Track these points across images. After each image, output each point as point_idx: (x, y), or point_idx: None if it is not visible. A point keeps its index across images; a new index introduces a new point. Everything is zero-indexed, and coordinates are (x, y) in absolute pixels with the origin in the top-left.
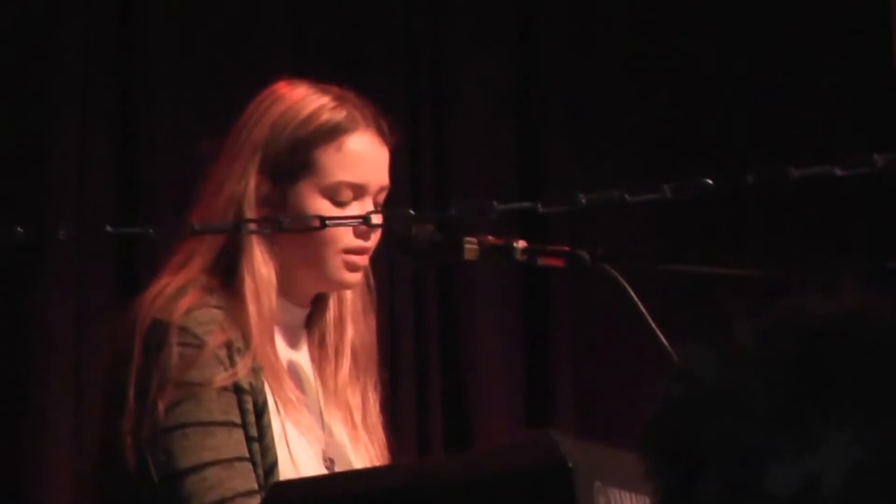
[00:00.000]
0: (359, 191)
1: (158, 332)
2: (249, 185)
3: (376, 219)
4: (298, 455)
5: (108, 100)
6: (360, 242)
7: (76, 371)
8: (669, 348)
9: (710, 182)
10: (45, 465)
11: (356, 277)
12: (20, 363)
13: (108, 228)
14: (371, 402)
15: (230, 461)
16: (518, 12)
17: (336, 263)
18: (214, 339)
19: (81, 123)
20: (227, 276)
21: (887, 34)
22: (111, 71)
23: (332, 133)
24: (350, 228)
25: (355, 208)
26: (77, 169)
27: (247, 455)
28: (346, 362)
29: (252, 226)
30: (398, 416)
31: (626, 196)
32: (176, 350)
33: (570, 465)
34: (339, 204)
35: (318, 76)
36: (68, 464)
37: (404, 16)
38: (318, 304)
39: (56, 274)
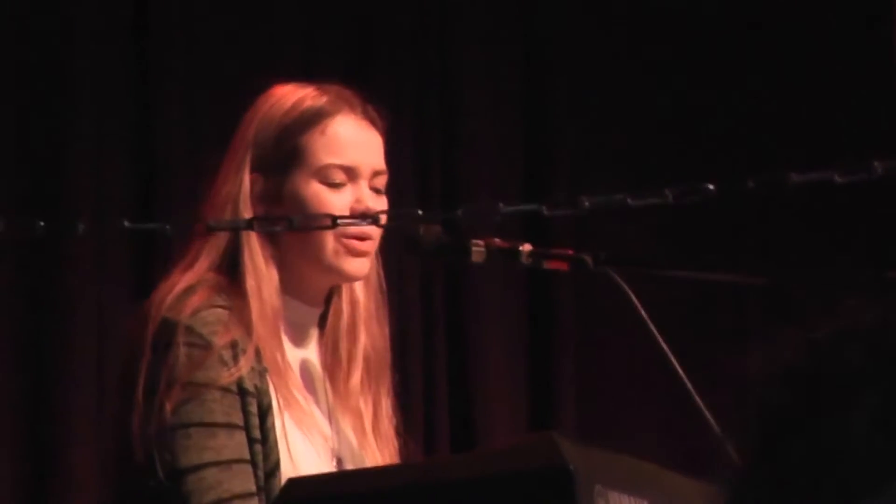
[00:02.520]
0: (350, 173)
1: (166, 331)
2: (243, 184)
3: (384, 218)
4: (300, 457)
5: (124, 96)
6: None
7: (98, 364)
8: (670, 353)
9: (712, 187)
10: (69, 459)
11: (359, 266)
12: (42, 356)
13: (126, 224)
14: (383, 408)
15: (229, 463)
16: (525, 14)
17: (335, 248)
18: (220, 340)
19: (98, 121)
20: (233, 274)
21: (888, 38)
22: (127, 67)
23: (315, 118)
24: (345, 210)
25: (350, 192)
26: (94, 166)
27: (247, 457)
28: (358, 369)
29: (262, 223)
30: (405, 418)
31: (629, 200)
32: (183, 350)
33: (572, 467)
34: (333, 186)
35: (327, 76)
36: (92, 457)
37: (412, 18)
38: (330, 308)
39: (76, 270)
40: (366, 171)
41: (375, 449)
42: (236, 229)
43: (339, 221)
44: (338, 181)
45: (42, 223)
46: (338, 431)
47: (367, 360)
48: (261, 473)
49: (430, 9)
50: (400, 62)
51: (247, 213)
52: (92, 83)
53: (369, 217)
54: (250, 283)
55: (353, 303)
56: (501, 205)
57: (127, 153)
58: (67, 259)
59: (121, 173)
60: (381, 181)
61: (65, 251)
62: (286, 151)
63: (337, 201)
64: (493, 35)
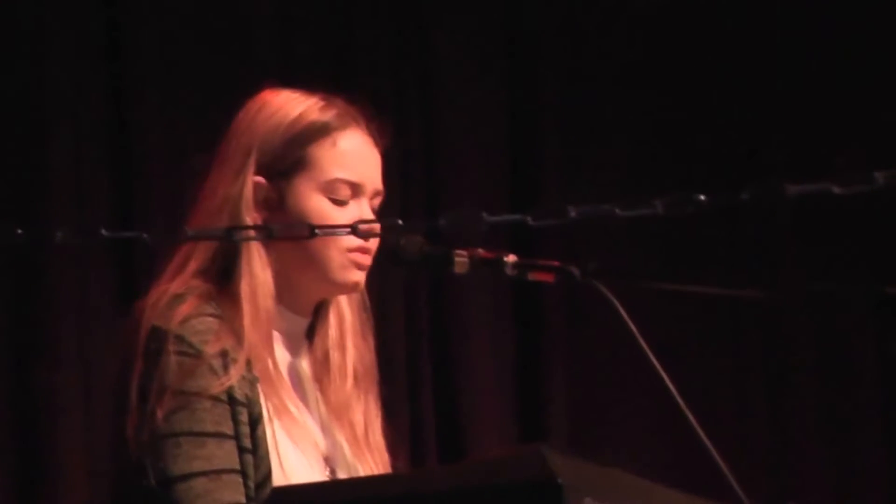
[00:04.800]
0: (356, 190)
1: (157, 339)
2: (246, 187)
3: (364, 227)
4: (291, 467)
5: (102, 104)
6: (362, 241)
7: (82, 372)
8: (658, 365)
9: (704, 198)
10: (55, 468)
11: (360, 277)
12: (25, 366)
13: (104, 232)
14: (374, 420)
15: (219, 472)
16: (508, 20)
17: (341, 262)
18: (210, 349)
19: (76, 128)
20: (223, 280)
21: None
22: (104, 75)
23: (326, 129)
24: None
25: (353, 208)
26: (73, 174)
27: (237, 467)
28: (349, 380)
29: (244, 233)
30: (391, 432)
31: (617, 210)
32: (174, 358)
33: (560, 481)
34: (338, 202)
35: (307, 84)
36: (79, 466)
37: (393, 26)
38: (318, 319)
39: (58, 280)
40: (368, 189)
41: (371, 459)
42: (216, 239)
43: (316, 231)
44: (343, 197)
45: (19, 231)
46: (332, 441)
47: (356, 373)
48: (252, 484)
49: (411, 14)
50: (381, 69)
51: (247, 218)
52: (69, 91)
53: (348, 227)
54: (245, 287)
55: (340, 318)
56: (485, 214)
57: (105, 162)
58: (48, 268)
59: (100, 182)
60: (378, 202)
61: (46, 260)
62: (293, 159)
63: (340, 218)
64: (476, 41)
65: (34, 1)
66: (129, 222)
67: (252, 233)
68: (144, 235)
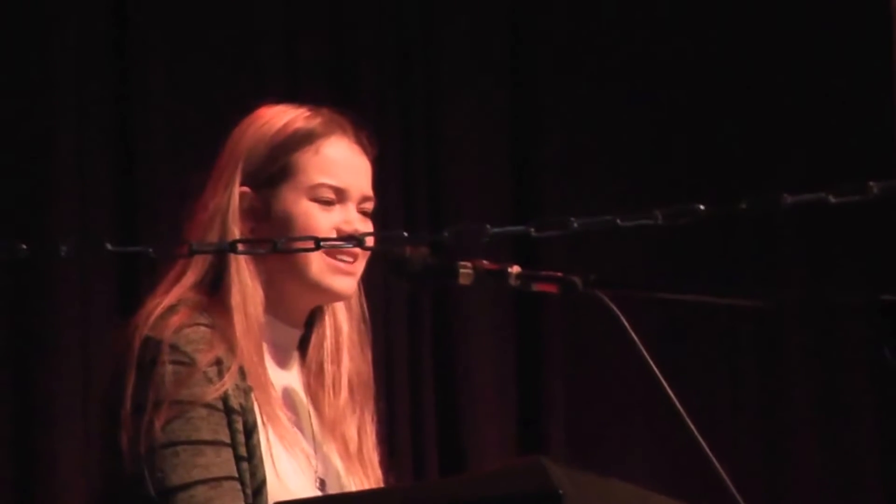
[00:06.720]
0: (340, 195)
1: (150, 349)
2: (233, 197)
3: (370, 240)
4: (286, 474)
5: (106, 115)
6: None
7: (84, 384)
8: (659, 375)
9: (702, 208)
10: (56, 479)
11: (345, 285)
12: (27, 377)
13: (109, 246)
14: (367, 434)
15: (218, 480)
16: (511, 34)
17: (320, 266)
18: (204, 358)
19: (80, 141)
20: (215, 290)
21: (888, 58)
22: (109, 86)
23: (309, 137)
24: (333, 229)
25: (338, 212)
26: (77, 186)
27: (235, 474)
28: (344, 393)
29: (248, 246)
30: (393, 441)
31: (618, 221)
32: (169, 368)
33: (561, 491)
34: (324, 202)
35: (312, 99)
36: (78, 478)
37: (398, 40)
38: (314, 331)
39: (61, 291)
40: (355, 194)
41: (362, 474)
42: (220, 252)
43: (322, 244)
44: (328, 198)
45: (24, 246)
46: (322, 455)
47: (351, 385)
48: (248, 491)
49: (415, 27)
50: (385, 83)
51: (235, 228)
52: (74, 108)
53: (354, 239)
54: (236, 298)
55: (337, 329)
56: (489, 226)
57: (110, 175)
58: (53, 282)
59: (104, 195)
60: (368, 206)
61: (50, 274)
62: (278, 167)
63: (325, 220)
64: (479, 54)
65: (40, 9)
66: (134, 235)
67: (252, 246)
68: (150, 250)
